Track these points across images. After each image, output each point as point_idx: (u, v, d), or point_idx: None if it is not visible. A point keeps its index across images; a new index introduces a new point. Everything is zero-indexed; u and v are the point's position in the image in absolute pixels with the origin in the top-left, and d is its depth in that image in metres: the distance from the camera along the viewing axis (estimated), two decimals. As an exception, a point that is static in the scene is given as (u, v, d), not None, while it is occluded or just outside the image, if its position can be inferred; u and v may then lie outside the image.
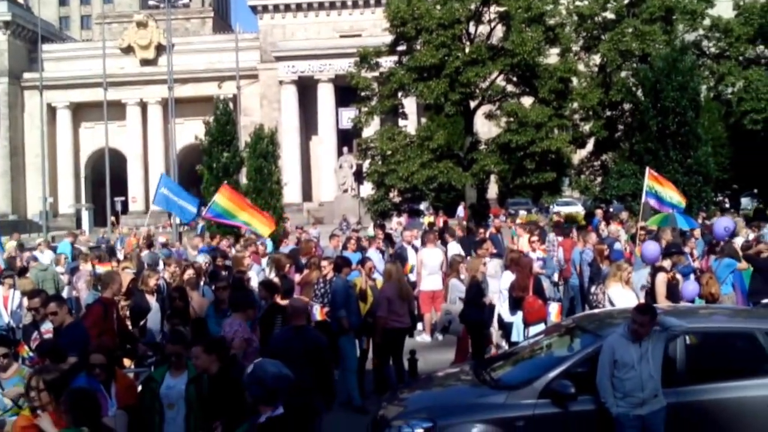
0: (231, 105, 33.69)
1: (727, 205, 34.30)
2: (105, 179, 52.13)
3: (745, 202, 39.76)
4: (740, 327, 7.87)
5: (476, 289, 10.92)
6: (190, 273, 11.23)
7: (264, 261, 14.89)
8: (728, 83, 32.76)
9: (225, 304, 9.43)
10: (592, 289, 11.33)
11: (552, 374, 7.11)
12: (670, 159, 26.18)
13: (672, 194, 13.28)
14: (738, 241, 13.64)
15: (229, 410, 6.05)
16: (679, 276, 10.65)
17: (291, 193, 48.17)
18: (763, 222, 17.93)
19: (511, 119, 29.96)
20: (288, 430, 5.02)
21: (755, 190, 38.52)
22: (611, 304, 9.82)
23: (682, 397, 7.03)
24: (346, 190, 47.53)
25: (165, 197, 16.00)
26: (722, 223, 13.05)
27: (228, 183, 20.67)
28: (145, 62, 65.88)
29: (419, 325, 13.56)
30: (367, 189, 35.89)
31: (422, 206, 36.04)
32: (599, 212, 23.16)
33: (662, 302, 9.87)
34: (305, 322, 7.95)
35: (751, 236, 14.11)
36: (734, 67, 31.92)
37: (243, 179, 28.13)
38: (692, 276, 12.02)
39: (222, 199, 15.56)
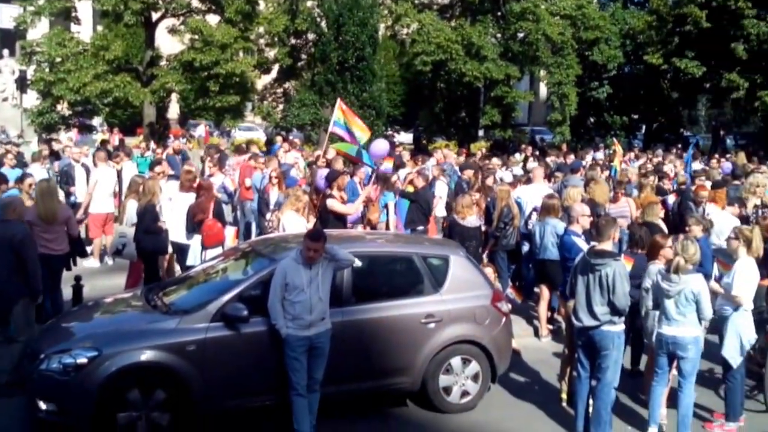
0: None
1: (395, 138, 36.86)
2: None
3: (410, 137, 42.99)
4: (401, 251, 8.52)
5: (151, 213, 10.46)
6: None
7: None
8: (404, 24, 34.78)
9: None
10: (267, 215, 11.55)
11: (225, 298, 7.12)
12: (348, 92, 27.31)
13: (357, 128, 13.89)
14: (402, 173, 14.85)
15: None
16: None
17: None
18: (426, 156, 19.54)
19: (196, 37, 29.03)
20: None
21: (420, 127, 41.77)
22: (285, 229, 10.07)
23: (348, 316, 7.47)
24: (5, 99, 42.65)
25: None
26: (379, 148, 13.78)
27: None
28: None
29: (88, 249, 12.73)
30: (32, 99, 32.55)
31: (95, 122, 33.74)
32: (279, 139, 23.51)
33: (346, 210, 10.33)
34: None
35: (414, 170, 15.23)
36: (410, 9, 33.91)
37: None
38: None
39: None
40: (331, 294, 7.15)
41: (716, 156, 23.94)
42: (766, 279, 8.62)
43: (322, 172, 11.96)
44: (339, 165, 13.58)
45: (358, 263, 7.56)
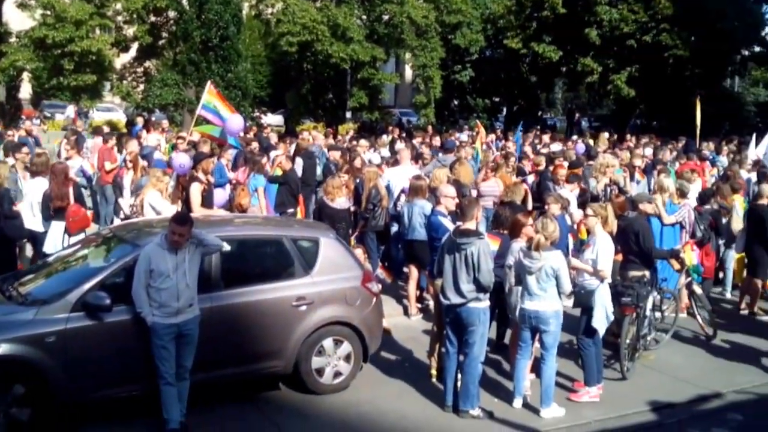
0: None
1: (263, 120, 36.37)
2: None
3: (278, 119, 42.51)
4: (270, 234, 8.43)
5: (4, 197, 9.83)
6: None
7: None
8: (268, 4, 34.25)
9: None
10: (122, 200, 11.16)
11: (86, 286, 6.82)
12: (213, 72, 26.66)
13: (225, 110, 13.65)
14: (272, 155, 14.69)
15: None
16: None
17: None
18: (294, 138, 19.41)
19: (48, 13, 27.44)
20: None
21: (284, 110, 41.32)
22: (152, 212, 9.75)
23: (217, 302, 7.34)
24: None
25: None
26: (235, 127, 13.55)
27: None
28: None
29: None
30: None
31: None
32: (140, 120, 22.66)
33: (198, 211, 10.12)
34: None
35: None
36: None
37: None
38: (228, 186, 12.59)
39: None
40: (199, 279, 6.99)
41: (573, 138, 25.13)
42: (618, 254, 9.14)
43: (180, 157, 11.58)
44: (206, 148, 13.23)
45: (226, 247, 7.42)
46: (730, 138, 25.37)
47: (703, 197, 12.01)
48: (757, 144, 18.82)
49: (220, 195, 11.87)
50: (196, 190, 10.54)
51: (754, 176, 14.92)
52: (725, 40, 35.76)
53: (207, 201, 10.77)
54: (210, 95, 13.69)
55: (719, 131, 34.06)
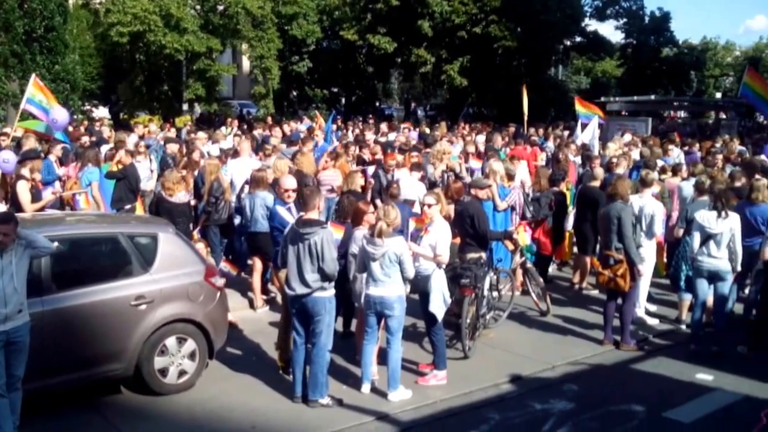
0: None
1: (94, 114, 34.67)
2: None
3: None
4: (105, 232, 8.07)
5: None
6: None
7: None
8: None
9: None
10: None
11: None
12: (38, 64, 25.07)
13: (50, 104, 12.94)
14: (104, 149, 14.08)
15: None
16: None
17: None
18: (128, 131, 18.64)
19: None
20: None
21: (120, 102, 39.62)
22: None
23: (49, 305, 6.94)
24: None
25: None
26: (58, 119, 12.97)
27: None
28: None
29: None
30: None
31: None
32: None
33: (29, 210, 9.54)
34: None
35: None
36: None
37: None
38: (57, 184, 11.95)
39: None
40: (29, 283, 6.55)
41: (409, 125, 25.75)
42: (456, 237, 9.47)
43: (4, 154, 10.85)
44: (31, 143, 12.44)
45: (57, 248, 7.02)
46: (556, 124, 26.93)
47: (553, 180, 12.71)
48: (582, 129, 20.09)
49: (50, 193, 11.23)
50: (23, 189, 9.94)
51: (578, 159, 15.93)
52: (549, 31, 37.88)
53: (35, 199, 10.21)
54: (35, 88, 12.91)
55: (546, 117, 36.10)
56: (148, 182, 13.23)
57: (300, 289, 7.44)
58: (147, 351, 7.57)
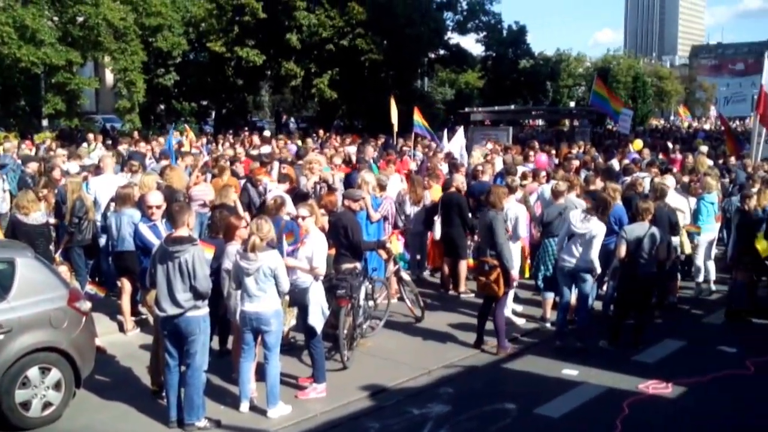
0: None
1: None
2: None
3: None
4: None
5: None
6: None
7: None
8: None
9: None
10: None
11: None
12: None
13: None
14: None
15: None
16: None
17: None
18: None
19: None
20: None
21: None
22: None
23: None
24: None
25: None
26: None
27: None
28: None
29: None
30: None
31: None
32: None
33: None
34: None
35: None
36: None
37: None
38: None
39: None
40: None
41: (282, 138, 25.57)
42: (332, 248, 9.48)
43: None
44: None
45: None
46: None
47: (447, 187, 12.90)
48: (449, 139, 20.59)
49: None
50: None
51: (446, 167, 16.33)
52: (414, 44, 38.70)
53: None
54: None
55: (413, 128, 36.75)
56: (2, 204, 12.52)
57: (171, 310, 7.21)
58: (6, 384, 7.13)
